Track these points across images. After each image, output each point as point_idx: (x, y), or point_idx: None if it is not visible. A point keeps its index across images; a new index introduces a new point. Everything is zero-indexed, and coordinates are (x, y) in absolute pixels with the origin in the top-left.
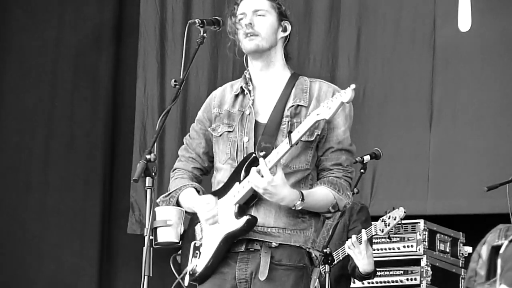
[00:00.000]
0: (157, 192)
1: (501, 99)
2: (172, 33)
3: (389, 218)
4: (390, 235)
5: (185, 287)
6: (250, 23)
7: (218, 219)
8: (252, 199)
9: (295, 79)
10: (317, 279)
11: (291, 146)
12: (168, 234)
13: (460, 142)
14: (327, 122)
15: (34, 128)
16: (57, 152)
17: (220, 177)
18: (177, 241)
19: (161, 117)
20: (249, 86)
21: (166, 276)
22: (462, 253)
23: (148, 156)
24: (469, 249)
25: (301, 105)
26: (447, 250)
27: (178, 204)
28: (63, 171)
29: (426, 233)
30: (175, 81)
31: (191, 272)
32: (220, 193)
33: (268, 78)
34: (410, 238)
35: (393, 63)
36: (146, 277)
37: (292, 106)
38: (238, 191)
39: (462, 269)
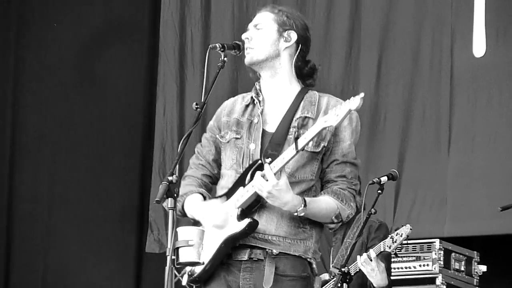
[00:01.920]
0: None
1: None
2: (192, 57)
3: (396, 235)
4: (397, 252)
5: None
6: (247, 38)
7: (225, 223)
8: (255, 204)
9: (304, 93)
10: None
11: (297, 152)
12: (190, 254)
13: (476, 165)
14: (333, 135)
15: (73, 155)
16: (93, 179)
17: (224, 183)
18: (199, 261)
19: (182, 139)
20: (259, 96)
21: None
22: (476, 272)
23: (170, 178)
24: (483, 268)
25: (308, 117)
26: (462, 269)
27: (183, 209)
28: (97, 202)
29: (442, 252)
30: (196, 104)
31: (189, 273)
32: (224, 197)
33: (277, 89)
34: (426, 257)
35: (413, 89)
36: None
37: (299, 117)
38: (242, 195)
39: None
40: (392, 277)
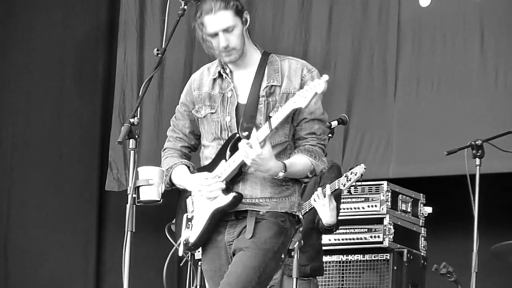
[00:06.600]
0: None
1: (459, 70)
2: (151, 5)
3: (351, 174)
4: (352, 191)
5: (180, 256)
6: (227, 45)
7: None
8: (238, 176)
9: (266, 59)
10: (297, 242)
11: (271, 131)
12: (150, 193)
13: (421, 110)
14: None
15: (35, 99)
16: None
17: (207, 153)
18: (159, 199)
19: (144, 84)
20: (226, 69)
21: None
22: (422, 213)
23: (131, 120)
24: (429, 209)
25: (274, 85)
26: (408, 210)
27: (171, 181)
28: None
29: (389, 194)
30: (157, 50)
31: (184, 242)
32: (207, 170)
33: (242, 63)
34: (374, 199)
35: (362, 38)
36: (129, 232)
37: (266, 86)
38: (225, 169)
39: (422, 228)
40: (342, 217)
